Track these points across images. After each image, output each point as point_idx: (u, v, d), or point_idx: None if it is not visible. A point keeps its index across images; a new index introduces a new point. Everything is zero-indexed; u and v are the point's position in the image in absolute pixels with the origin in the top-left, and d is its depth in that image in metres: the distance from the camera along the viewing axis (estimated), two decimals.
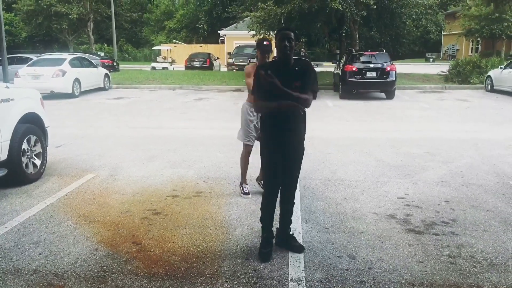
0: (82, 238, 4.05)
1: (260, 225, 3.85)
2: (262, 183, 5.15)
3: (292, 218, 4.41)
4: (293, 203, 3.86)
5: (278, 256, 3.68)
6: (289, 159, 3.66)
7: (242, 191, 5.24)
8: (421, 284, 3.23)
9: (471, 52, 42.25)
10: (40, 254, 3.73)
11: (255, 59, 30.12)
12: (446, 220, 4.47)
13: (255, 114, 5.07)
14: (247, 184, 5.32)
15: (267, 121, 3.66)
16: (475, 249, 3.80)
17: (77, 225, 4.36)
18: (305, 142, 3.72)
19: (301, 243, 3.87)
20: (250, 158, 5.26)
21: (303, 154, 3.74)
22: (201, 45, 46.46)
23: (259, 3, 20.52)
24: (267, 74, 3.38)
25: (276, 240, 3.86)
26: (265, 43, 4.79)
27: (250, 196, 5.16)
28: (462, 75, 20.22)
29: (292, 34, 3.51)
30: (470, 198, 5.14)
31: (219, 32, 45.10)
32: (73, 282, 3.27)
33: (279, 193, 3.76)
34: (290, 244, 3.80)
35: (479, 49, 39.98)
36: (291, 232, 3.91)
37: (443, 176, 6.02)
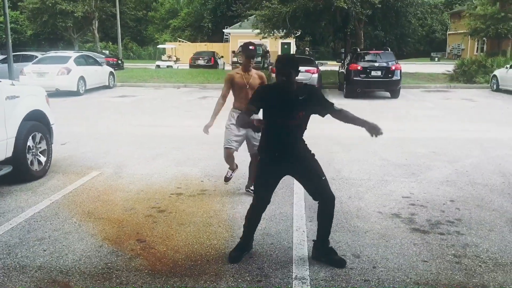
0: (87, 235, 4.06)
1: (261, 225, 3.75)
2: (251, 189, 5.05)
3: (296, 217, 4.43)
4: (332, 215, 3.50)
5: (282, 255, 3.67)
6: (304, 171, 3.52)
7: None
8: (426, 283, 3.22)
9: (477, 52, 42.02)
10: (44, 250, 3.74)
11: (259, 58, 29.42)
12: (451, 219, 4.45)
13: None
14: (231, 170, 5.38)
15: (266, 146, 3.51)
16: (480, 249, 3.78)
17: (82, 222, 4.37)
18: (310, 141, 3.68)
19: (341, 257, 3.54)
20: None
21: (314, 158, 3.55)
22: (206, 43, 46.48)
23: (264, 2, 20.50)
24: (259, 120, 3.34)
25: (314, 254, 3.58)
26: (250, 47, 4.65)
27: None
28: (468, 74, 20.12)
29: (290, 66, 3.23)
30: (475, 198, 5.11)
31: (223, 30, 45.11)
32: (78, 279, 3.28)
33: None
34: (330, 258, 3.49)
35: (485, 49, 39.74)
36: (330, 245, 3.57)
37: (448, 176, 5.99)
